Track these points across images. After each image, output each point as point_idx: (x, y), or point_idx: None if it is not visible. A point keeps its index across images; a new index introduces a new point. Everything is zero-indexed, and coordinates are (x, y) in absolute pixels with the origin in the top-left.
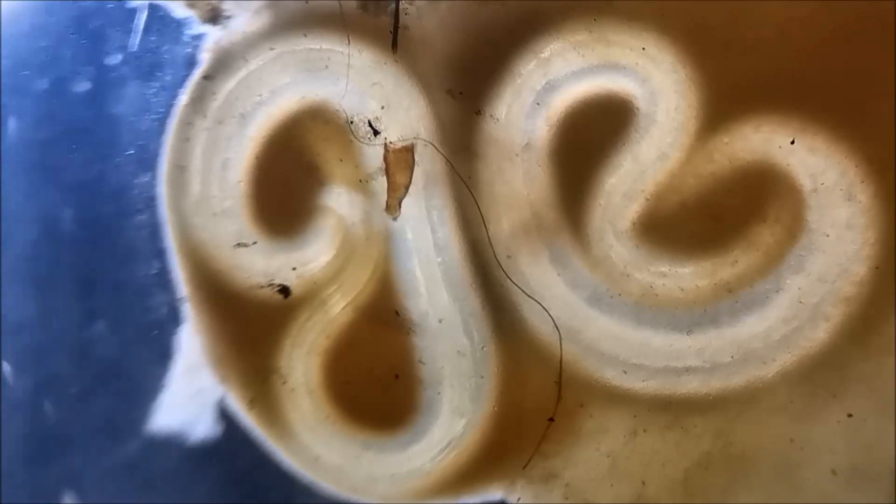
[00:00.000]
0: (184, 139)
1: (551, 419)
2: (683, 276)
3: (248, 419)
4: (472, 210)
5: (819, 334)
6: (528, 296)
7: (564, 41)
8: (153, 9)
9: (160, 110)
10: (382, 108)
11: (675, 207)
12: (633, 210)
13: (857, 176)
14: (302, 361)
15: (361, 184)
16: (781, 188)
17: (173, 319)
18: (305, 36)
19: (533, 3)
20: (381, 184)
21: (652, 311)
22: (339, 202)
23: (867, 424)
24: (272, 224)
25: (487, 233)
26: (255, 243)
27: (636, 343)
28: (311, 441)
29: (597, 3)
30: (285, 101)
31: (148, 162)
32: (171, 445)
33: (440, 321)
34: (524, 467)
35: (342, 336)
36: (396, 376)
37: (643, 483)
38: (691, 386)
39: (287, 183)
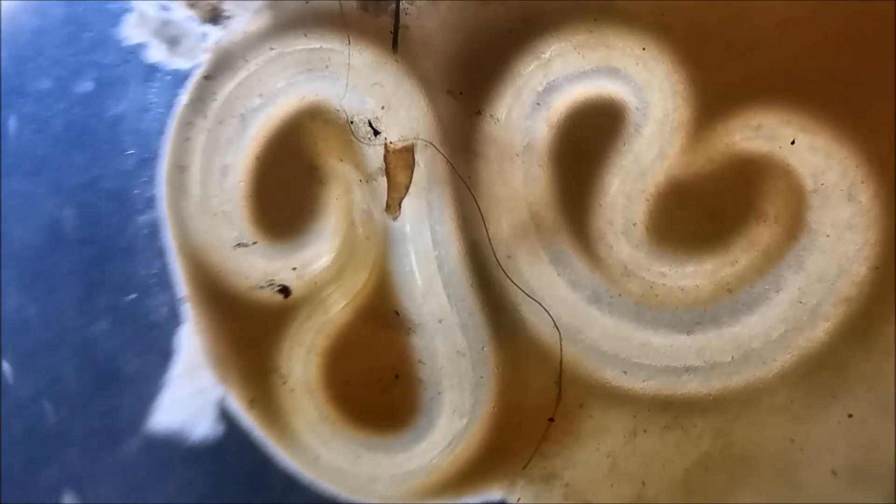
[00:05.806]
0: (184, 139)
1: (551, 419)
2: (683, 276)
3: (249, 419)
4: (473, 210)
5: (819, 334)
6: (528, 296)
7: (565, 42)
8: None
9: (160, 110)
10: (383, 108)
11: (676, 207)
12: (633, 210)
13: (858, 176)
14: (302, 361)
15: (361, 184)
16: (782, 188)
17: (173, 319)
18: (306, 36)
19: (534, 4)
20: (381, 184)
21: (652, 311)
22: (340, 202)
23: (867, 424)
24: (272, 224)
25: (487, 233)
26: (255, 243)
27: (636, 343)
28: (311, 441)
29: (597, 3)
30: (286, 101)
31: (148, 162)
32: (172, 445)
33: (440, 321)
34: (524, 467)
35: (342, 336)
36: (396, 376)
37: (643, 483)
38: (691, 386)
39: (287, 183)
